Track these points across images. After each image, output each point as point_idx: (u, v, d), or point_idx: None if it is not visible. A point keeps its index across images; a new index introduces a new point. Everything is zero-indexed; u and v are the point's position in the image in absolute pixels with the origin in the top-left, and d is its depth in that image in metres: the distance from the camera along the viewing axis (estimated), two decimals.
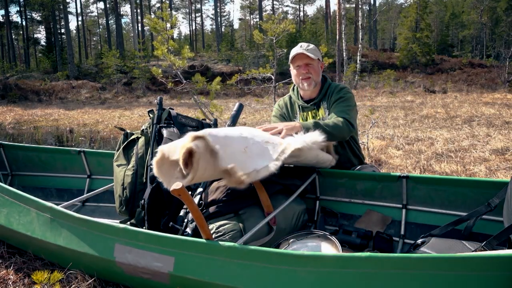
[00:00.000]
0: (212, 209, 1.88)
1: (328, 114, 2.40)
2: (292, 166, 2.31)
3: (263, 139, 1.87)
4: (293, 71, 2.48)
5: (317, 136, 2.03)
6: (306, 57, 2.36)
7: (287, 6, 74.59)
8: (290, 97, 2.59)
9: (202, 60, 29.74)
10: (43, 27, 39.28)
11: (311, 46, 2.42)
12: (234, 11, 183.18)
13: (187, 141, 1.58)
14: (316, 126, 2.16)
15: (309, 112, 2.50)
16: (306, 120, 2.50)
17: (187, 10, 55.21)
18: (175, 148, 1.60)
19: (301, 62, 2.39)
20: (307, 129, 2.14)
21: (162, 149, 1.64)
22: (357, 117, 2.45)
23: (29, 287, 1.87)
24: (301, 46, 2.41)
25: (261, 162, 1.74)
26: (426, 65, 26.54)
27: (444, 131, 6.66)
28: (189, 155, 1.57)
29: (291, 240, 1.91)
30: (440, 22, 46.00)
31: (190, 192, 1.96)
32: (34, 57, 42.92)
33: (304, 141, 1.93)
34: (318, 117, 2.46)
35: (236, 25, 63.34)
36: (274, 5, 53.58)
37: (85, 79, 25.17)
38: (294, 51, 2.41)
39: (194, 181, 1.61)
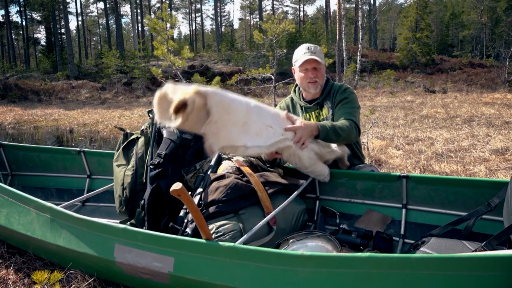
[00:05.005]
0: (212, 209, 1.87)
1: (332, 114, 2.39)
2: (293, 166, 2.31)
3: (268, 122, 1.85)
4: (298, 74, 2.40)
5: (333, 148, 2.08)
6: (315, 62, 2.32)
7: (287, 6, 74.70)
8: (292, 99, 2.56)
9: (202, 60, 29.71)
10: (43, 27, 39.28)
11: (318, 48, 2.37)
12: (234, 11, 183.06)
13: (189, 91, 1.56)
14: (333, 127, 2.16)
15: (312, 113, 2.47)
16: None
17: (187, 10, 55.24)
18: (177, 91, 1.58)
19: (309, 66, 2.35)
20: (323, 130, 2.12)
21: (167, 86, 1.61)
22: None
23: (29, 287, 1.87)
24: (308, 48, 2.34)
25: (254, 141, 1.75)
26: (426, 65, 26.53)
27: (444, 131, 6.66)
28: (183, 105, 1.55)
29: (291, 240, 1.91)
30: (440, 22, 45.99)
31: (190, 192, 1.96)
32: (34, 57, 42.93)
33: (314, 148, 1.94)
34: (322, 117, 2.44)
35: (236, 25, 63.43)
36: (274, 5, 53.60)
37: (85, 79, 25.17)
38: (303, 55, 2.34)
39: (182, 127, 1.60)
